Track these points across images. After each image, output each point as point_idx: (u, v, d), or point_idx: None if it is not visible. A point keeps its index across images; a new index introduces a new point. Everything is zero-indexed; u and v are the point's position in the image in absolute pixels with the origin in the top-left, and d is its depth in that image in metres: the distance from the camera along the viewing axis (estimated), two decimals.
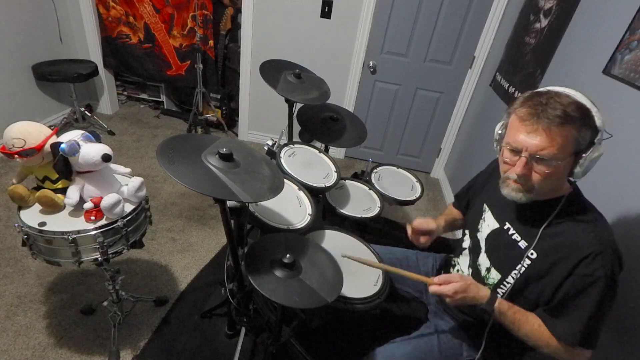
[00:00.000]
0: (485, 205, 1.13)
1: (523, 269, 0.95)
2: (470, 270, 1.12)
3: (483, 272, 1.06)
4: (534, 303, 0.95)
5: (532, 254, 0.94)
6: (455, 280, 0.95)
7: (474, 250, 1.12)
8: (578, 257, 0.84)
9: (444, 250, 1.39)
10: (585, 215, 0.90)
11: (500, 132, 0.98)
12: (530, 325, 0.92)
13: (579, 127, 0.81)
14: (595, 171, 1.28)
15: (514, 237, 1.00)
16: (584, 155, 0.83)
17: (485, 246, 1.08)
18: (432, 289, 0.97)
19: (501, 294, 1.00)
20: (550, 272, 0.90)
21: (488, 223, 1.09)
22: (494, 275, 1.03)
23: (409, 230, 1.26)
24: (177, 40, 3.22)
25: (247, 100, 3.28)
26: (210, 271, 1.97)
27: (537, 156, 0.83)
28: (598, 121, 0.82)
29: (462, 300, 0.94)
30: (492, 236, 1.07)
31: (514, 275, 0.97)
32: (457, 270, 1.18)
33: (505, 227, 1.03)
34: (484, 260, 1.07)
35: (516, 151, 0.87)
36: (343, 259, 1.09)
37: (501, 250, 1.03)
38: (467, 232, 1.18)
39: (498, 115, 2.39)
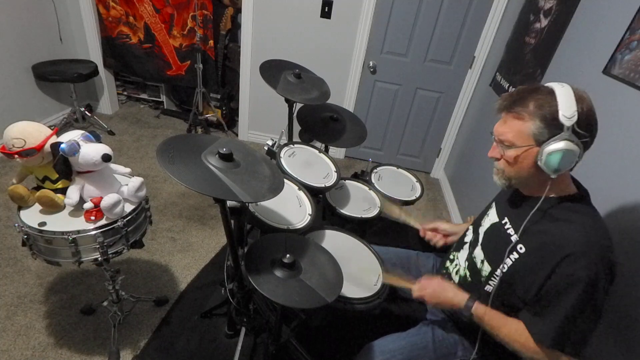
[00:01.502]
0: (493, 203, 1.16)
1: (510, 262, 0.96)
2: (467, 262, 1.13)
3: (478, 265, 1.07)
4: (521, 300, 0.95)
5: (520, 248, 0.94)
6: (432, 283, 1.01)
7: (473, 244, 1.13)
8: (561, 254, 0.84)
9: (444, 251, 1.39)
10: (581, 217, 0.89)
11: None
12: (508, 328, 0.93)
13: (534, 119, 0.84)
14: (595, 170, 1.28)
15: (508, 231, 1.01)
16: (540, 147, 0.85)
17: (482, 239, 1.09)
18: (414, 294, 1.04)
19: (493, 285, 1.00)
20: (536, 269, 0.90)
21: (490, 218, 1.11)
22: (486, 268, 1.03)
23: (431, 229, 1.34)
24: (177, 40, 3.22)
25: (247, 100, 3.28)
26: (210, 271, 1.97)
27: (498, 139, 0.92)
28: (563, 118, 0.81)
29: (439, 305, 1.00)
30: (490, 230, 1.08)
31: (502, 268, 0.97)
32: (455, 265, 1.19)
33: (503, 222, 1.04)
34: (478, 253, 1.08)
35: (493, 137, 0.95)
36: (343, 259, 1.09)
37: (494, 243, 1.04)
38: (470, 227, 1.20)
39: (498, 115, 2.39)
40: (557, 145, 0.82)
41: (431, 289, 1.02)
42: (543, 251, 0.89)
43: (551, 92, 0.84)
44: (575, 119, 0.81)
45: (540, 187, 0.92)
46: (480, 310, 0.96)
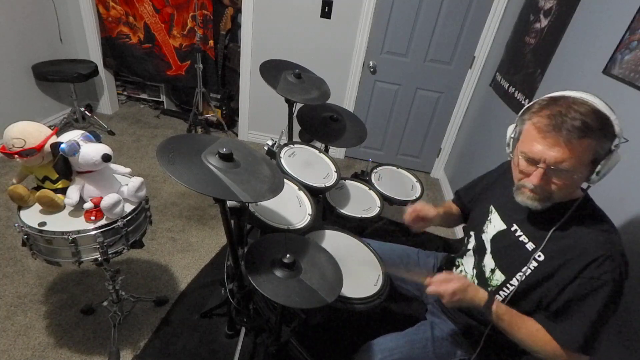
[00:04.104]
0: (492, 207, 1.11)
1: (529, 271, 0.94)
2: (475, 271, 1.12)
3: (487, 274, 1.06)
4: (536, 305, 0.94)
5: (539, 256, 0.93)
6: (454, 281, 0.94)
7: (479, 252, 1.11)
8: (586, 259, 0.84)
9: (444, 250, 1.39)
10: (596, 220, 0.90)
11: (512, 136, 0.94)
12: (528, 328, 0.92)
13: (598, 138, 0.79)
14: None
15: (521, 238, 0.99)
16: (602, 162, 0.81)
17: (491, 247, 1.07)
18: (431, 289, 0.96)
19: (504, 295, 0.99)
20: (556, 274, 0.89)
21: (494, 224, 1.08)
22: (498, 277, 1.02)
23: (408, 212, 1.22)
24: (177, 40, 3.22)
25: (247, 100, 3.28)
26: (210, 271, 1.97)
27: (555, 168, 0.82)
28: (617, 128, 0.80)
29: (460, 301, 0.94)
30: (498, 237, 1.06)
31: (518, 277, 0.96)
32: (461, 271, 1.18)
33: (513, 229, 1.02)
34: (489, 262, 1.06)
35: (533, 161, 0.85)
36: (343, 259, 1.09)
37: (507, 252, 1.02)
38: (472, 233, 1.17)
39: (498, 115, 2.39)
40: (617, 156, 0.81)
41: (451, 287, 0.93)
42: (563, 256, 0.88)
43: (593, 105, 0.80)
44: (621, 127, 0.80)
45: (567, 195, 0.90)
46: (501, 309, 0.93)
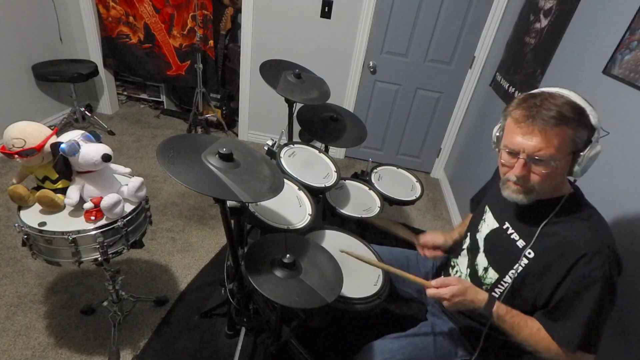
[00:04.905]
0: (486, 207, 1.13)
1: (520, 268, 0.95)
2: (469, 270, 1.12)
3: (480, 272, 1.06)
4: (532, 304, 0.94)
5: (529, 253, 0.94)
6: (453, 284, 0.94)
7: (473, 250, 1.12)
8: (575, 256, 0.84)
9: (444, 251, 1.39)
10: (584, 216, 0.90)
11: (497, 134, 0.98)
12: (529, 329, 0.91)
13: (574, 127, 0.81)
14: (595, 171, 1.28)
15: (512, 236, 1.00)
16: (582, 154, 0.84)
17: (484, 246, 1.08)
18: (430, 292, 0.96)
19: (498, 293, 1.00)
20: (547, 272, 0.89)
21: (488, 223, 1.09)
22: (492, 275, 1.03)
23: (419, 248, 1.30)
24: (177, 40, 3.22)
25: (247, 100, 3.28)
26: (210, 271, 1.97)
27: (535, 157, 0.84)
28: (594, 119, 0.83)
29: (460, 304, 0.94)
30: (491, 236, 1.07)
31: (511, 275, 0.97)
32: (456, 271, 1.18)
33: (505, 227, 1.03)
34: (481, 260, 1.07)
35: (513, 153, 0.88)
36: (343, 259, 1.09)
37: (499, 250, 1.03)
38: (468, 233, 1.18)
39: (498, 115, 2.38)
40: (597, 148, 0.83)
41: (450, 291, 0.93)
42: (553, 253, 0.89)
43: (568, 98, 0.83)
44: (599, 119, 0.82)
45: (553, 190, 0.92)
46: (502, 309, 0.93)
